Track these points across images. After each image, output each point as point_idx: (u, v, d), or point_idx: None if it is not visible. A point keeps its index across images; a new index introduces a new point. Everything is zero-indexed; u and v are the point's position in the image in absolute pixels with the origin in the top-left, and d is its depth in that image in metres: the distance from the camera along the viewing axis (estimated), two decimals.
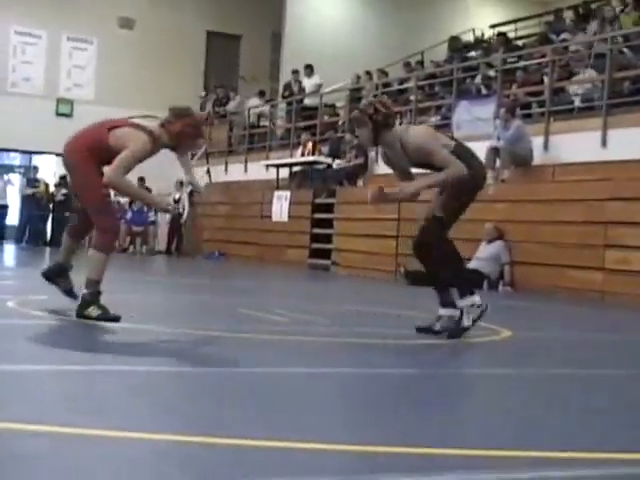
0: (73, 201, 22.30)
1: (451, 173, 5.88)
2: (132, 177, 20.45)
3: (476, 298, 6.02)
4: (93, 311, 5.87)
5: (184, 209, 22.27)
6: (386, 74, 20.63)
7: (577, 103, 14.11)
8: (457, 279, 6.13)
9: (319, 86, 21.23)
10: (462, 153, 6.05)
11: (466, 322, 5.97)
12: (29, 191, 22.83)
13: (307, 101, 21.23)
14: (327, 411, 3.60)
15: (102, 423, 2.98)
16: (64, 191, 22.84)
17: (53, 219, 22.89)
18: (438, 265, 6.10)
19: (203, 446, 2.77)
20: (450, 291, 6.11)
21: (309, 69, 21.86)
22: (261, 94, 23.89)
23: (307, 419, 3.34)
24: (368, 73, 20.94)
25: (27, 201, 22.88)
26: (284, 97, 22.39)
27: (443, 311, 6.10)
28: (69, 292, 6.60)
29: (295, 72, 22.23)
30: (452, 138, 6.44)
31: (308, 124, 20.27)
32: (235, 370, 4.44)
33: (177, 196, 22.36)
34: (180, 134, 6.10)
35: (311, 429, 3.14)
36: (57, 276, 6.70)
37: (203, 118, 5.80)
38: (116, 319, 5.83)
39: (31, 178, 23.62)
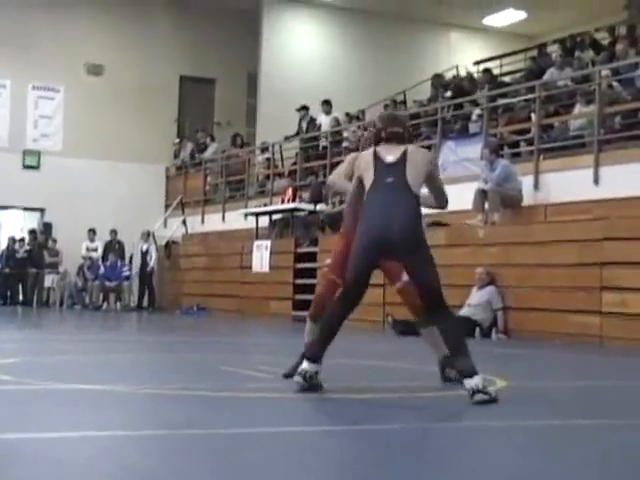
0: (36, 258, 22.30)
1: None
2: (105, 229, 20.14)
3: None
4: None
5: (152, 261, 22.25)
6: (361, 115, 20.85)
7: (567, 140, 14.26)
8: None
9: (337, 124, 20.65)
10: None
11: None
12: None
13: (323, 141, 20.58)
14: (306, 473, 3.60)
15: None
16: (27, 247, 22.79)
17: (9, 276, 22.59)
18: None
19: None
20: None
21: (327, 105, 21.24)
22: (234, 139, 23.92)
23: None
24: (348, 115, 21.11)
25: None
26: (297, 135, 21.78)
27: None
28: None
29: (303, 108, 21.89)
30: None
31: (318, 164, 19.86)
32: (212, 432, 4.43)
33: (145, 247, 22.37)
34: None
35: None
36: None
37: None
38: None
39: None
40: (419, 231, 5.83)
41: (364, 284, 5.87)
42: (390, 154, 5.91)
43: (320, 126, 21.12)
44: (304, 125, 21.71)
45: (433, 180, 6.10)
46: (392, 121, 6.22)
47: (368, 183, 5.88)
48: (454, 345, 5.77)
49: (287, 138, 21.73)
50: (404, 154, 5.87)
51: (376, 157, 5.93)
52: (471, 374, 5.56)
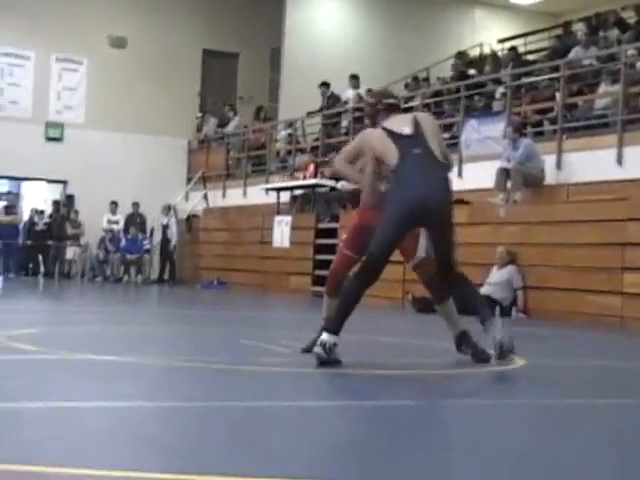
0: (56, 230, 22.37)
1: None
2: (126, 202, 20.20)
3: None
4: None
5: (173, 235, 22.33)
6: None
7: (591, 120, 14.17)
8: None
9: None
10: None
11: None
12: (2, 219, 22.75)
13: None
14: (317, 447, 3.61)
15: (86, 461, 3.00)
16: (46, 220, 22.86)
17: (31, 248, 22.68)
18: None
19: None
20: None
21: (355, 80, 20.87)
22: (257, 112, 23.84)
23: (296, 454, 3.36)
24: (370, 91, 21.00)
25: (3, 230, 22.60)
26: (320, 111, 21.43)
27: None
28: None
29: (324, 84, 21.61)
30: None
31: (340, 140, 19.26)
32: (229, 404, 4.46)
33: (165, 222, 22.42)
34: None
35: (300, 465, 3.16)
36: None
37: None
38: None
39: (8, 205, 23.68)
40: (452, 202, 6.11)
41: (389, 256, 5.89)
42: (402, 126, 5.95)
43: (347, 101, 20.82)
44: (326, 101, 21.59)
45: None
46: (383, 94, 6.53)
47: (394, 158, 5.87)
48: (474, 303, 5.96)
49: (310, 114, 21.66)
50: (417, 124, 5.92)
51: (390, 132, 5.94)
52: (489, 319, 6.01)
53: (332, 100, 21.42)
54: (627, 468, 3.38)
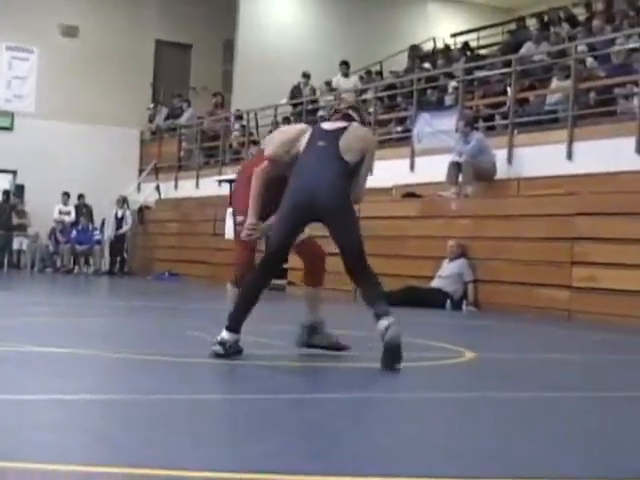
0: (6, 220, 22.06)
1: None
2: (77, 193, 19.97)
3: None
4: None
5: (126, 227, 22.20)
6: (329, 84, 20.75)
7: (542, 115, 14.29)
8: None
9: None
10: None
11: None
12: None
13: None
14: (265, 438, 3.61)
15: (33, 455, 2.97)
16: None
17: None
18: None
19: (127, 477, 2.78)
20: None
21: (345, 66, 20.51)
22: (215, 97, 23.64)
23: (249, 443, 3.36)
24: (328, 84, 21.02)
25: None
26: (289, 101, 21.30)
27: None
28: (335, 344, 6.27)
29: (306, 76, 21.53)
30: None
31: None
32: (175, 397, 4.44)
33: (119, 213, 22.27)
34: None
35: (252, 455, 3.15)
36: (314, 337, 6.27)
37: None
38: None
39: None
40: (346, 196, 5.74)
41: (285, 248, 5.87)
42: (331, 124, 5.96)
43: (337, 89, 20.47)
44: (306, 92, 21.25)
45: (361, 163, 5.84)
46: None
47: (301, 149, 5.86)
48: (374, 298, 5.72)
49: (295, 105, 21.60)
50: (346, 127, 5.85)
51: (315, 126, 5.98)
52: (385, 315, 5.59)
53: (296, 92, 21.27)
54: (570, 460, 3.41)
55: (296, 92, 21.30)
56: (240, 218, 6.21)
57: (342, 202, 5.70)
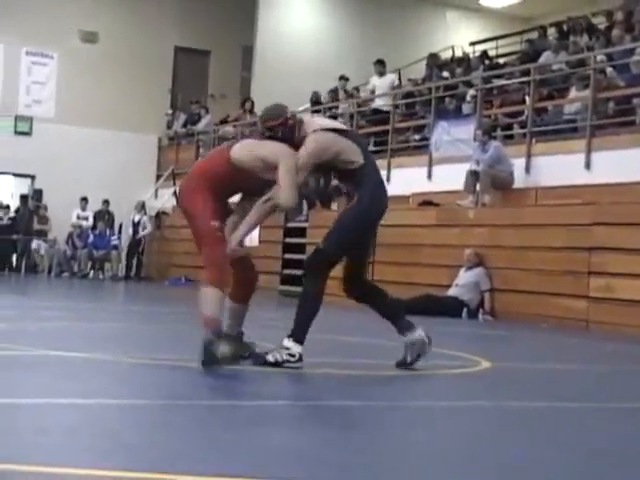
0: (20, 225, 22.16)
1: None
2: (95, 197, 20.00)
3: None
4: (225, 348, 5.51)
5: (144, 232, 22.25)
6: (357, 90, 20.61)
7: (560, 125, 14.25)
8: (304, 323, 5.77)
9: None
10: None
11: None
12: None
13: (378, 103, 19.04)
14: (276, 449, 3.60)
15: (48, 458, 2.97)
16: (11, 215, 22.65)
17: None
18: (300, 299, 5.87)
19: None
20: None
21: (381, 64, 19.77)
22: (243, 103, 23.40)
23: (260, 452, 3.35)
24: (346, 92, 21.00)
25: None
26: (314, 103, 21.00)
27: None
28: (256, 355, 5.93)
29: (343, 78, 21.18)
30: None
31: (377, 130, 18.33)
32: (190, 403, 4.44)
33: (137, 218, 22.34)
34: None
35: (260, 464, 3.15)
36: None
37: None
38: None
39: None
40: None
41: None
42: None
43: (373, 90, 19.76)
44: (341, 95, 20.92)
45: None
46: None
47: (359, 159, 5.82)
48: (302, 314, 5.75)
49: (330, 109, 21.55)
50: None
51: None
52: (299, 341, 5.61)
53: (334, 95, 21.02)
54: (582, 471, 3.39)
55: (334, 95, 21.09)
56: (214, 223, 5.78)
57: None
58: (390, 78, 19.74)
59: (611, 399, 5.59)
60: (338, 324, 9.94)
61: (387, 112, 18.03)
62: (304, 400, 4.87)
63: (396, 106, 17.89)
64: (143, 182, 23.98)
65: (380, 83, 19.51)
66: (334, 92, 20.99)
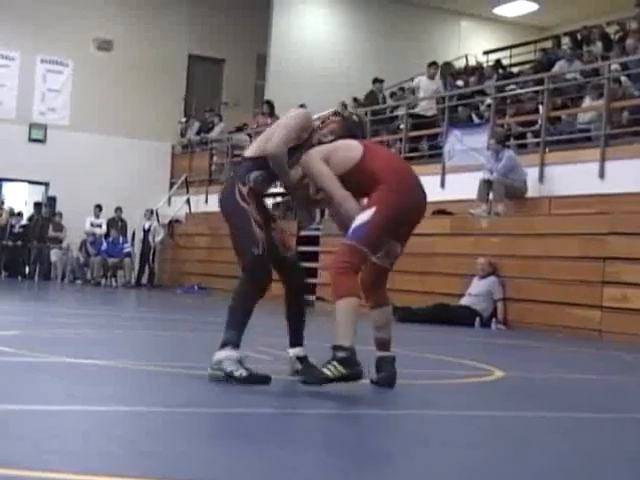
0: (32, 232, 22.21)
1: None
2: (108, 205, 20.03)
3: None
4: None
5: (155, 239, 22.29)
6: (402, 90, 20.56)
7: (574, 134, 14.24)
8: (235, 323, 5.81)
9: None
10: None
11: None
12: None
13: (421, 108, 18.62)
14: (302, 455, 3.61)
15: (63, 465, 2.98)
16: (23, 222, 22.72)
17: (11, 249, 22.34)
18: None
19: None
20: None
21: (434, 66, 19.13)
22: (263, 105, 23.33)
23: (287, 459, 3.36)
24: (356, 100, 21.01)
25: None
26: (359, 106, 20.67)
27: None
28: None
29: (378, 81, 21.04)
30: None
31: (423, 133, 18.15)
32: (205, 411, 4.44)
33: (147, 225, 22.38)
34: None
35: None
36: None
37: None
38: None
39: None
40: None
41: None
42: None
43: (415, 90, 19.40)
44: (379, 98, 20.83)
45: None
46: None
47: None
48: (233, 314, 5.95)
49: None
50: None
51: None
52: (226, 346, 5.56)
53: (372, 98, 20.88)
54: None
55: (372, 98, 21.00)
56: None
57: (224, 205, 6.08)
58: (437, 82, 19.17)
59: (628, 409, 5.57)
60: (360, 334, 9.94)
61: (431, 117, 17.93)
62: (315, 409, 4.87)
63: (410, 115, 17.88)
64: (156, 190, 24.04)
65: (427, 85, 18.87)
66: (372, 94, 20.86)
